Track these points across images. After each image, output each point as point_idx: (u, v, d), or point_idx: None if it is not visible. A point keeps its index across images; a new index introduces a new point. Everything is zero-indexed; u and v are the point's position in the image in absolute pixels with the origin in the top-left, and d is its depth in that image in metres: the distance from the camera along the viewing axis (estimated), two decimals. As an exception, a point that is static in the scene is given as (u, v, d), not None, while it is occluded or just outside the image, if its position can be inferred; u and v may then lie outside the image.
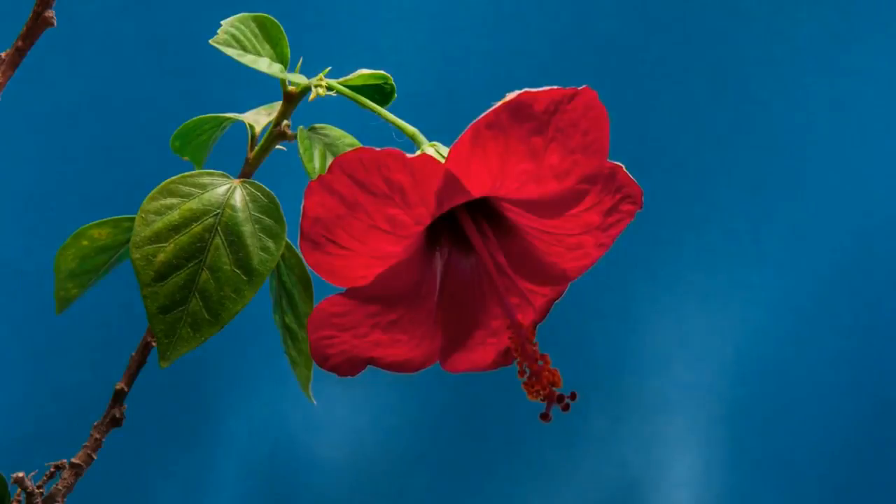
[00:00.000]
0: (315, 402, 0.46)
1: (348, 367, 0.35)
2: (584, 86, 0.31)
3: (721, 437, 0.84)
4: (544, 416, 0.35)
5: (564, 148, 0.31)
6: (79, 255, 0.43)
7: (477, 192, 0.32)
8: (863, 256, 0.84)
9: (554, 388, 0.34)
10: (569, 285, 0.38)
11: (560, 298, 0.38)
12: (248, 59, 0.38)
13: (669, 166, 0.83)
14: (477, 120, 0.30)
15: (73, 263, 0.43)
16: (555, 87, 0.30)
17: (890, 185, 0.84)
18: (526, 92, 0.30)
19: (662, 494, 0.83)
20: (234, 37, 0.38)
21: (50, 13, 0.38)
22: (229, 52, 0.38)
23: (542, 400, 0.34)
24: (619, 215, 0.35)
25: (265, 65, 0.39)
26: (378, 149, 0.30)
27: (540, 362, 0.35)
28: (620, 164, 0.34)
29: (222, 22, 0.38)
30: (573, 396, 0.35)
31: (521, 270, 0.37)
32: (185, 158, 0.48)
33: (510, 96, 0.30)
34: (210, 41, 0.38)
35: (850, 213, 0.84)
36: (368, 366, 0.36)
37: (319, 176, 0.30)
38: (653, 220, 0.83)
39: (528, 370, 0.34)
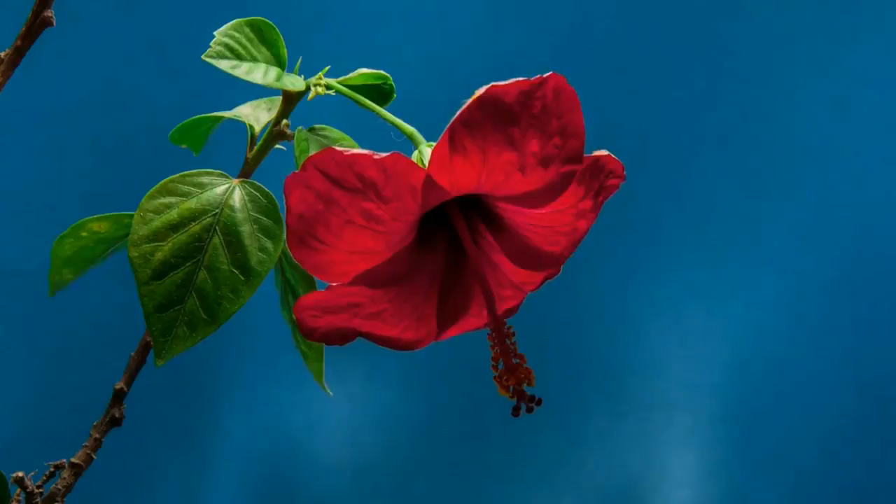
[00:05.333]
0: (331, 394, 0.46)
1: (337, 337, 0.35)
2: (550, 72, 0.31)
3: (721, 437, 0.84)
4: (516, 410, 0.35)
5: (543, 133, 0.32)
6: (77, 245, 0.43)
7: (461, 189, 0.33)
8: (863, 256, 0.84)
9: (525, 386, 0.35)
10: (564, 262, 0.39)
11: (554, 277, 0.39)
12: (241, 71, 0.38)
13: (670, 166, 0.83)
14: (452, 120, 0.31)
15: (71, 252, 0.44)
16: (521, 78, 0.31)
17: (890, 185, 0.84)
18: (494, 86, 0.30)
19: (662, 494, 0.83)
20: (227, 46, 0.38)
21: (49, 13, 0.38)
22: (222, 65, 0.38)
23: (510, 395, 0.35)
24: (607, 191, 0.36)
25: (260, 75, 0.39)
26: (348, 150, 0.31)
27: (516, 360, 0.35)
28: (604, 151, 0.35)
29: (216, 32, 0.38)
30: (539, 402, 0.35)
31: (521, 262, 0.37)
32: (184, 146, 0.48)
33: (479, 92, 0.31)
34: (202, 56, 0.38)
35: (850, 213, 0.84)
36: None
37: (293, 173, 0.31)
38: (653, 220, 0.83)
39: (502, 365, 0.35)
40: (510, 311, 0.39)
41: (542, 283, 0.39)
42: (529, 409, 0.35)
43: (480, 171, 0.32)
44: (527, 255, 0.37)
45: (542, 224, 0.36)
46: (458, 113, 0.30)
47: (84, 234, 0.43)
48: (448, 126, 0.31)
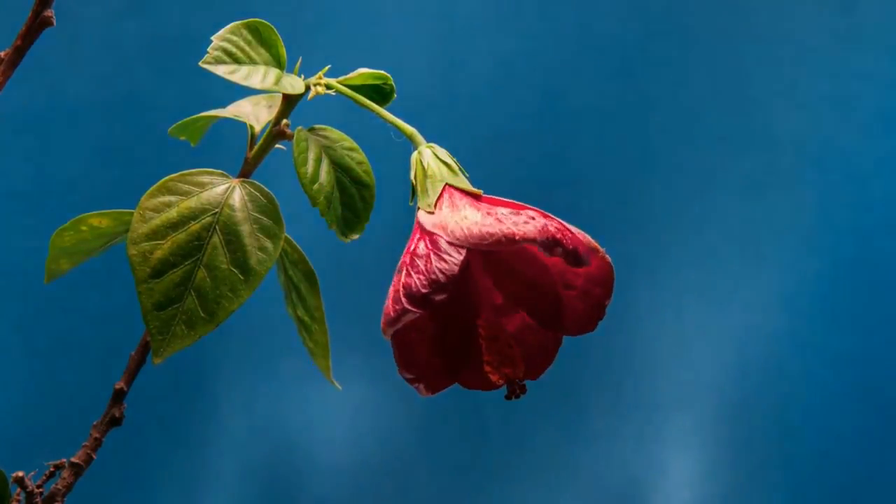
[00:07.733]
0: (340, 388, 0.47)
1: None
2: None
3: (721, 437, 0.84)
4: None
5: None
6: (76, 238, 0.43)
7: None
8: (863, 256, 0.84)
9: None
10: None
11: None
12: (239, 76, 0.38)
13: (669, 166, 0.83)
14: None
15: (70, 244, 0.43)
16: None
17: (890, 185, 0.84)
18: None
19: (663, 494, 0.83)
20: (225, 51, 0.38)
21: (49, 13, 0.38)
22: (220, 70, 0.38)
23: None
24: (590, 300, 0.39)
25: (258, 79, 0.38)
26: None
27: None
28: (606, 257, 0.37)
29: (213, 37, 0.38)
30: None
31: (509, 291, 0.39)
32: (182, 138, 0.48)
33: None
34: (200, 63, 0.38)
35: (850, 213, 0.84)
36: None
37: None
38: (653, 220, 0.83)
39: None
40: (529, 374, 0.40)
41: (541, 369, 0.40)
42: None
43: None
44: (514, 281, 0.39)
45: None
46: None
47: (84, 228, 0.43)
48: None
